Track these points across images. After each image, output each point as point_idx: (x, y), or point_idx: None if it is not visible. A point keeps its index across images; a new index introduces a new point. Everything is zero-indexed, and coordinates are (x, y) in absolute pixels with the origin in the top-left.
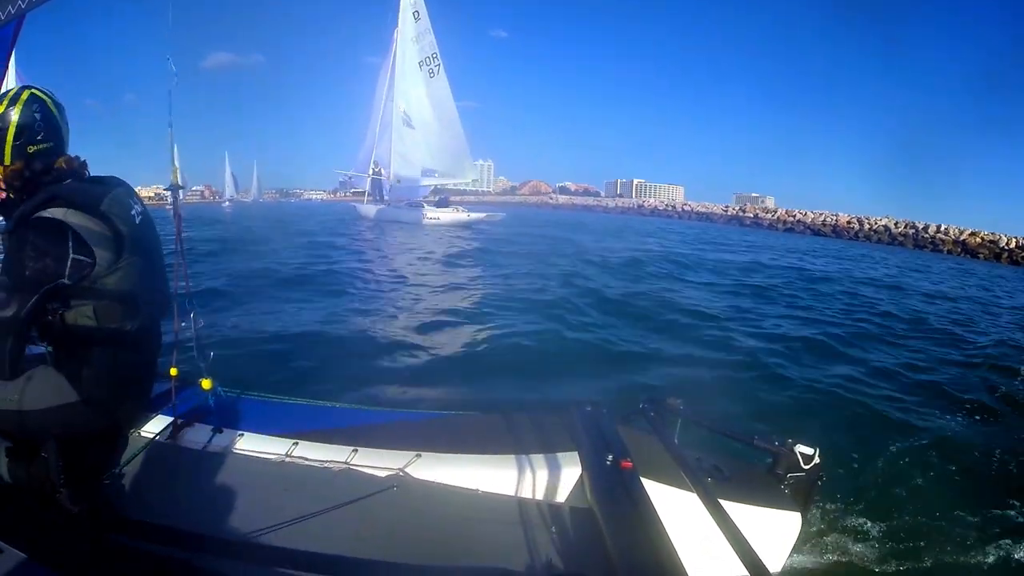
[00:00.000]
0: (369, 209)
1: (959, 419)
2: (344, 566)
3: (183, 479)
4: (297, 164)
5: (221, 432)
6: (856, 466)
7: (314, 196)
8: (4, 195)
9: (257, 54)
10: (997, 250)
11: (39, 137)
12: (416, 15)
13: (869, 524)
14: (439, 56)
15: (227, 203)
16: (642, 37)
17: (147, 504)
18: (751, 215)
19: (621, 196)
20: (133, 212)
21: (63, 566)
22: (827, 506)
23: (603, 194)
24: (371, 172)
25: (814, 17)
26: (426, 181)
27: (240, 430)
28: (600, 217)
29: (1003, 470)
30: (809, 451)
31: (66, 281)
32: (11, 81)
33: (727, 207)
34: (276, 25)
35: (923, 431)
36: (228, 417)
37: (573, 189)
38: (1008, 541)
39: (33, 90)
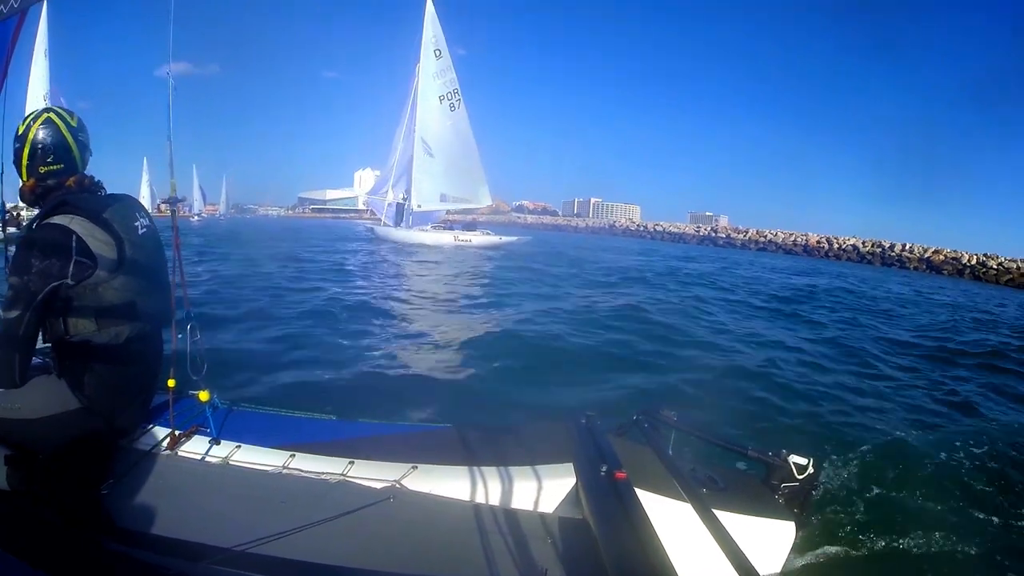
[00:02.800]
0: (394, 232)
1: (956, 423)
2: None
3: (180, 490)
4: (251, 179)
5: (218, 443)
6: (851, 475)
7: (271, 212)
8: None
9: (212, 64)
10: (959, 266)
11: (49, 159)
12: (438, 53)
13: (864, 533)
14: (460, 92)
15: (196, 217)
16: (595, 57)
17: (144, 514)
18: (723, 235)
19: (579, 215)
20: (137, 224)
21: (61, 574)
22: (821, 516)
23: (560, 213)
24: (401, 197)
25: (764, 37)
26: (444, 206)
27: (237, 442)
28: (590, 239)
29: (1001, 475)
30: (803, 461)
31: (69, 282)
32: (40, 90)
33: (699, 227)
34: (232, 35)
35: (918, 437)
36: (225, 429)
37: (531, 208)
38: (1007, 546)
39: (51, 113)
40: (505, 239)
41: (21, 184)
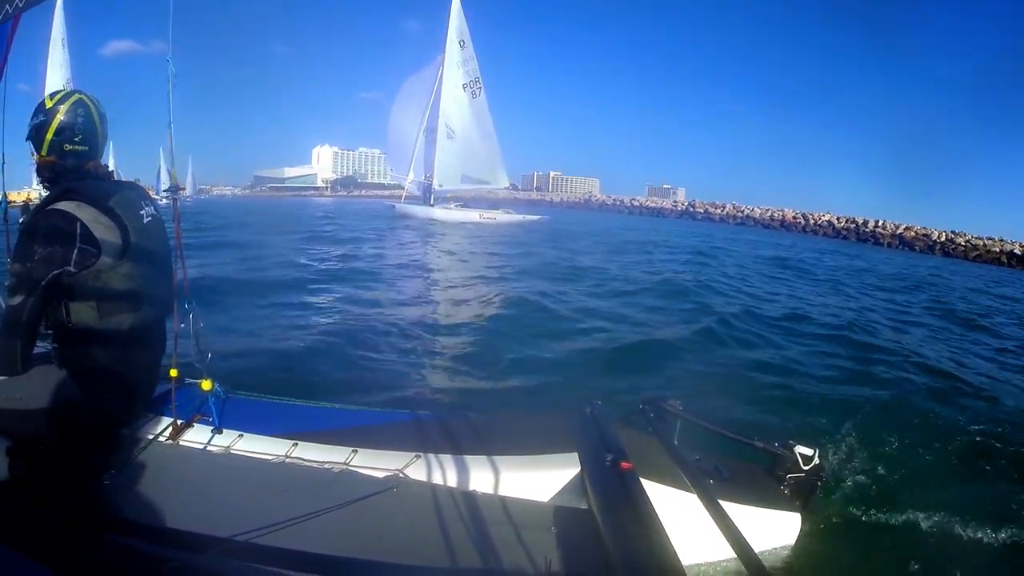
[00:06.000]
0: (419, 210)
1: (963, 413)
2: (343, 567)
3: (183, 479)
4: (203, 158)
5: (221, 433)
6: (856, 465)
7: (227, 192)
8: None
9: (158, 41)
10: (930, 242)
11: (77, 139)
12: (462, 43)
13: (870, 524)
14: (481, 80)
15: (164, 200)
16: (550, 28)
17: (146, 504)
18: (702, 211)
19: (539, 189)
20: (142, 212)
21: (62, 566)
22: (827, 506)
23: (520, 187)
24: (424, 178)
25: (718, 7)
26: (465, 186)
27: (240, 431)
28: (579, 214)
29: (1010, 462)
30: (809, 452)
31: (72, 269)
32: (58, 79)
33: (676, 203)
34: (177, 8)
35: (924, 428)
36: (228, 418)
37: None
38: (1011, 537)
39: (83, 96)
40: (528, 217)
41: (37, 159)
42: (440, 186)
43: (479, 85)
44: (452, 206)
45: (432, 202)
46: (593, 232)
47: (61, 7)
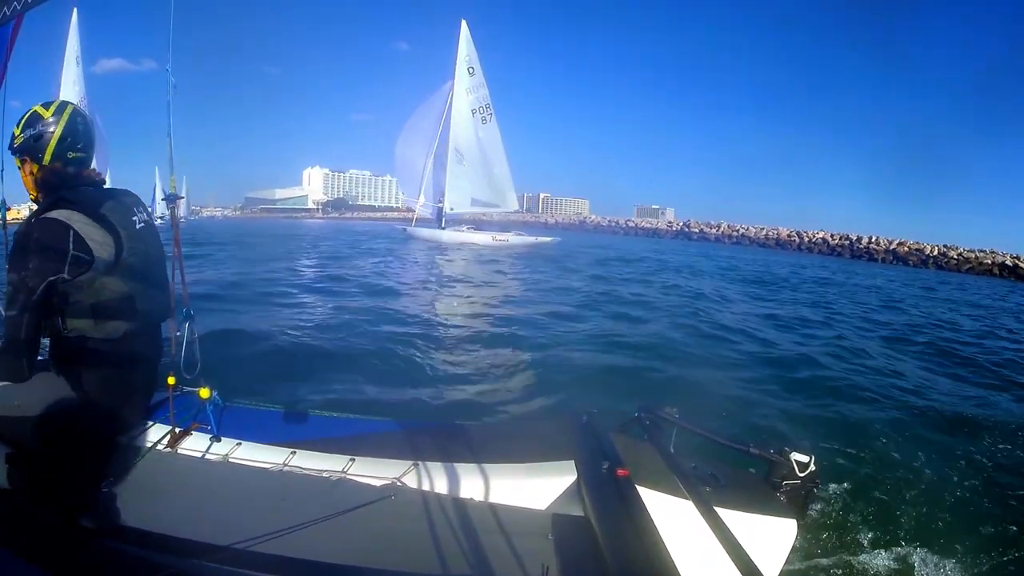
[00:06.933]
0: (431, 233)
1: (959, 418)
2: (340, 575)
3: (181, 487)
4: (193, 180)
5: (219, 441)
6: (852, 472)
7: (216, 213)
8: (35, 195)
9: (148, 60)
10: (923, 257)
11: (79, 146)
12: (471, 70)
13: (865, 530)
14: (491, 106)
15: (160, 220)
16: (536, 47)
17: (144, 512)
18: (697, 230)
19: (529, 211)
20: (135, 219)
21: (62, 572)
22: (823, 513)
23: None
24: (438, 202)
25: (703, 20)
26: (475, 209)
27: (238, 439)
28: (578, 236)
29: (1002, 471)
30: (804, 458)
31: (66, 276)
32: (70, 96)
33: (671, 223)
34: (167, 27)
35: (921, 433)
36: (226, 426)
37: None
38: (1007, 544)
39: (74, 105)
40: (541, 239)
41: (38, 167)
42: (451, 209)
43: (490, 112)
44: (464, 228)
45: (443, 225)
46: (621, 252)
47: (76, 24)
